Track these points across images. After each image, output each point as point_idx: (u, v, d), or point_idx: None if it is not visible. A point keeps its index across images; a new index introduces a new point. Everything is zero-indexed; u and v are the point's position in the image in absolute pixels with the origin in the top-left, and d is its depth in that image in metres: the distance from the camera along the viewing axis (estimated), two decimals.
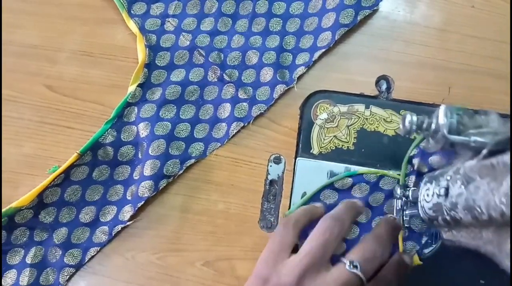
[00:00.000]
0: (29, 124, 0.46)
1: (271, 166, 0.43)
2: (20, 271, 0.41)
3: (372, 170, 0.42)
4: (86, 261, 0.41)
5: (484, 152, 0.27)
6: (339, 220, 0.35)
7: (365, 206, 0.41)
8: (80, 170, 0.43)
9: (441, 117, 0.29)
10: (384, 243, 0.35)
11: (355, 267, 0.31)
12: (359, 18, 0.46)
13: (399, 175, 0.41)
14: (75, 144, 0.44)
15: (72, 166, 0.43)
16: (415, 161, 0.41)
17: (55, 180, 0.42)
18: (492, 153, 0.27)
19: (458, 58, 0.46)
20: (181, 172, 0.43)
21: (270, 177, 0.43)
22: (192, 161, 0.44)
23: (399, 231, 0.38)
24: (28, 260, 0.41)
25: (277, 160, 0.44)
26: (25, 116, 0.47)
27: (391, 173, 0.42)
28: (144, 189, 0.42)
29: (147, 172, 0.42)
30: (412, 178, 0.41)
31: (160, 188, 0.43)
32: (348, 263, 0.32)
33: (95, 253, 0.42)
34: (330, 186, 0.42)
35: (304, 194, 0.42)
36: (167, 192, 0.43)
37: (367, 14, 0.47)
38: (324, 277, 0.31)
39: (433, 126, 0.30)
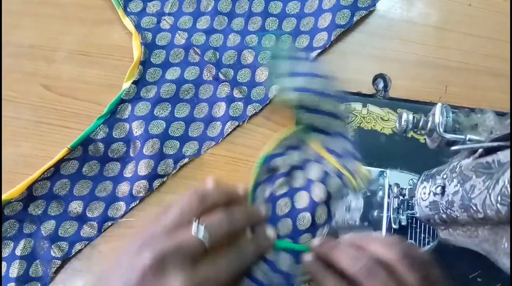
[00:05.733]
0: (27, 124, 0.46)
1: None
2: (10, 263, 0.41)
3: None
4: (72, 254, 0.41)
5: (480, 150, 0.27)
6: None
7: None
8: (70, 164, 0.43)
9: (437, 115, 0.29)
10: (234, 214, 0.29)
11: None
12: (355, 19, 0.46)
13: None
14: None
15: (62, 160, 0.43)
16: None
17: (45, 173, 0.42)
18: (488, 152, 0.26)
19: (455, 56, 0.46)
20: (174, 171, 0.43)
21: None
22: (186, 160, 0.44)
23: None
24: (18, 252, 0.41)
25: None
26: (22, 116, 0.46)
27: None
28: (139, 188, 0.42)
29: (142, 171, 0.42)
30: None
31: (155, 187, 0.42)
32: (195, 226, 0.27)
33: (82, 247, 0.42)
34: None
35: None
36: (165, 192, 0.43)
37: (363, 15, 0.47)
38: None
39: (429, 124, 0.30)
